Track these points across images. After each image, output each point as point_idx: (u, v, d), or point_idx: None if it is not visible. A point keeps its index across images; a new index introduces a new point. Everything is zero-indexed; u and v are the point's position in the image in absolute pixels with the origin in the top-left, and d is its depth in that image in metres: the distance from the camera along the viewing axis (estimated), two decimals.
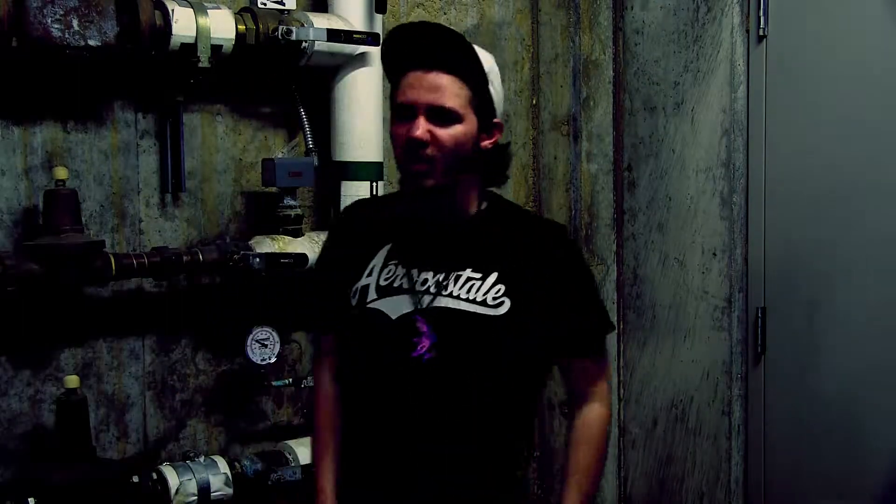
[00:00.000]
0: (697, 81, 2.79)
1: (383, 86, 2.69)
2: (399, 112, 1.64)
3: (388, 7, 2.70)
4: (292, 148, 2.74)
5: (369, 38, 2.59)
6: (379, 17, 2.67)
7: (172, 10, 2.33)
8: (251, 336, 2.58)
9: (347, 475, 1.81)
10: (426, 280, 1.70)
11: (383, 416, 1.72)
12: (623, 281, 3.07)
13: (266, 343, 2.60)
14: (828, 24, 2.53)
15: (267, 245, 2.55)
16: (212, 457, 2.53)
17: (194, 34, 2.35)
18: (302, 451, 2.62)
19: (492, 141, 1.71)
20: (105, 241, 2.39)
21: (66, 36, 2.18)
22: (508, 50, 3.21)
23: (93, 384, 2.49)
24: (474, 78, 1.64)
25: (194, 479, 2.44)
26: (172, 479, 2.42)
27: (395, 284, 1.72)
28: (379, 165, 2.72)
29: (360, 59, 2.64)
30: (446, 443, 1.68)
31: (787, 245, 2.65)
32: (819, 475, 2.57)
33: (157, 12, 2.32)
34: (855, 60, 2.47)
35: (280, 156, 2.70)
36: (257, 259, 2.49)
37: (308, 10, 2.65)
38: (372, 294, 1.73)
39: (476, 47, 1.68)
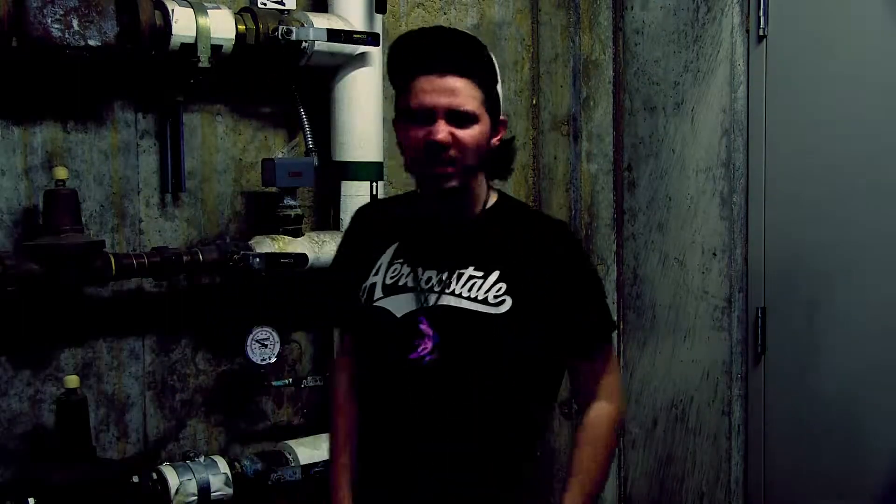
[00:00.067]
0: (697, 81, 2.79)
1: (383, 86, 2.69)
2: (413, 116, 1.65)
3: (388, 7, 2.70)
4: (292, 148, 2.74)
5: (369, 38, 2.59)
6: (379, 17, 2.68)
7: (172, 10, 2.33)
8: (251, 336, 2.58)
9: (359, 474, 1.83)
10: (430, 278, 1.72)
11: (387, 415, 1.74)
12: (623, 281, 3.08)
13: (266, 343, 2.60)
14: (828, 24, 2.53)
15: (267, 245, 2.55)
16: (212, 457, 2.53)
17: (194, 34, 2.35)
18: (302, 451, 2.62)
19: (499, 138, 1.73)
20: (105, 241, 2.39)
21: (66, 36, 2.18)
22: (508, 50, 3.21)
23: (93, 384, 2.49)
24: (486, 79, 1.67)
25: (194, 479, 2.44)
26: (172, 479, 2.42)
27: (401, 283, 1.73)
28: (379, 165, 2.72)
29: (360, 59, 2.64)
30: (447, 441, 1.68)
31: (787, 245, 2.65)
32: (819, 475, 2.57)
33: (157, 12, 2.32)
34: (855, 60, 2.48)
35: (280, 156, 2.70)
36: (257, 259, 2.49)
37: (308, 10, 2.65)
38: (378, 293, 1.75)
39: None
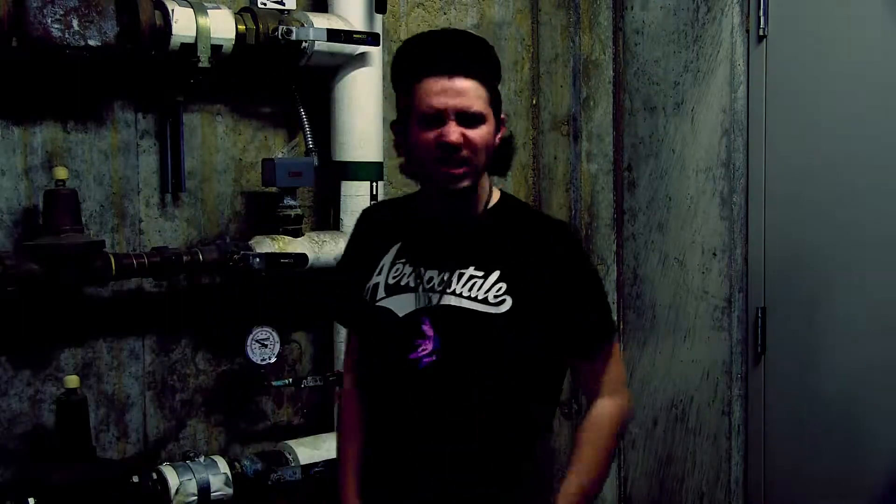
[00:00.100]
0: (697, 81, 2.79)
1: (383, 86, 2.69)
2: (422, 118, 1.65)
3: (388, 7, 2.70)
4: (292, 148, 2.74)
5: (369, 38, 2.59)
6: (379, 17, 2.68)
7: (172, 10, 2.33)
8: (251, 336, 2.58)
9: (361, 474, 1.83)
10: (432, 278, 1.72)
11: (388, 414, 1.75)
12: (623, 281, 3.08)
13: (266, 343, 2.60)
14: (828, 24, 2.53)
15: (267, 245, 2.55)
16: (212, 457, 2.53)
17: (194, 34, 2.35)
18: (302, 451, 2.63)
19: (500, 136, 1.74)
20: (105, 241, 2.39)
21: (66, 36, 2.18)
22: (508, 50, 3.21)
23: (93, 384, 2.49)
24: (491, 79, 1.69)
25: (194, 479, 2.44)
26: (172, 479, 2.41)
27: (403, 283, 1.74)
28: (379, 165, 2.72)
29: (360, 59, 2.64)
30: (448, 441, 1.69)
31: (787, 245, 2.65)
32: (819, 475, 2.57)
33: (157, 12, 2.32)
34: (855, 60, 2.48)
35: (280, 156, 2.70)
36: (257, 259, 2.49)
37: (308, 10, 2.65)
38: (381, 292, 1.76)
39: None
